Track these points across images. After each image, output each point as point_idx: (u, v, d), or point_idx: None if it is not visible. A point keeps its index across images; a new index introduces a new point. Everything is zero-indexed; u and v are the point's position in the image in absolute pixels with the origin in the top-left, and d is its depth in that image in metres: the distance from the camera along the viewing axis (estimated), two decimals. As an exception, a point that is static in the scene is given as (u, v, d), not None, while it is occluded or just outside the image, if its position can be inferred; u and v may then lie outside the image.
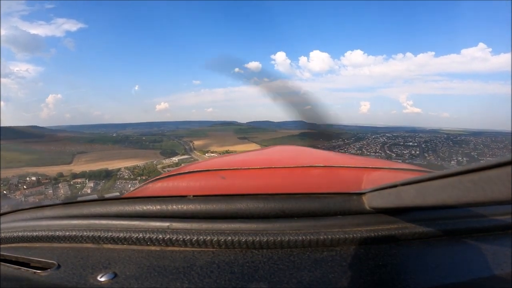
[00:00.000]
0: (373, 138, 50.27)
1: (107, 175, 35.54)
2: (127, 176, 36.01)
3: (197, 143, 65.52)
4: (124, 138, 65.16)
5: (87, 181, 33.07)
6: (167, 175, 1.05)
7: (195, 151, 58.64)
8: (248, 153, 1.51)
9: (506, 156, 0.25)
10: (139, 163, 43.88)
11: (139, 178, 35.43)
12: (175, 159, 48.00)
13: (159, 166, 43.16)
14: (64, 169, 38.25)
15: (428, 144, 46.89)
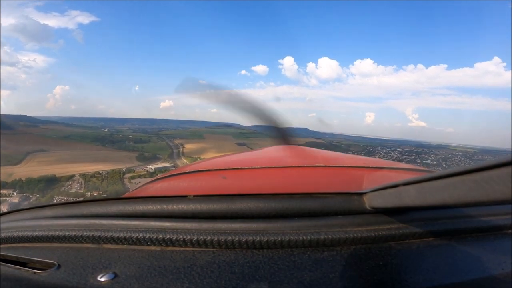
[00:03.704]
0: (385, 153, 46.90)
1: (48, 185, 27.69)
2: (73, 190, 28.11)
3: (190, 146, 57.68)
4: (108, 135, 58.11)
5: (14, 193, 25.34)
6: (167, 175, 1.03)
7: (182, 157, 50.72)
8: (248, 152, 1.50)
9: (506, 156, 0.25)
10: (105, 168, 36.02)
11: (88, 194, 27.34)
12: (151, 167, 39.90)
13: (127, 175, 35.15)
14: (5, 172, 30.83)
15: (449, 163, 42.50)
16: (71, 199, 25.90)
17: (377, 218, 0.47)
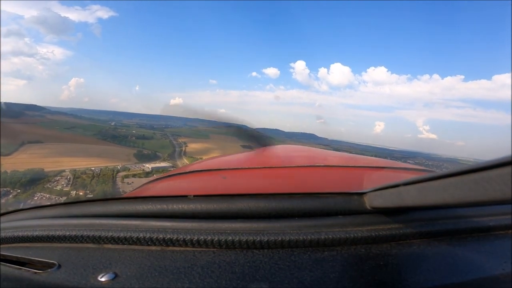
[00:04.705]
0: (395, 165, 41.08)
1: (33, 180, 25.79)
2: (59, 187, 26.15)
3: (193, 146, 55.68)
4: (112, 129, 56.80)
5: (-6, 187, 23.46)
6: (167, 175, 1.04)
7: (184, 157, 48.68)
8: (248, 153, 1.46)
9: (506, 156, 0.25)
10: (99, 164, 34.18)
11: (74, 192, 25.35)
12: (149, 166, 37.86)
13: (120, 174, 33.08)
14: (-7, 162, 29.29)
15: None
16: (53, 197, 23.96)
17: (377, 218, 0.47)
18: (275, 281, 0.37)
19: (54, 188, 25.91)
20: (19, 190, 23.80)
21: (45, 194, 24.12)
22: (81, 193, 25.22)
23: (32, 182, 25.79)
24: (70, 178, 28.66)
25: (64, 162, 33.26)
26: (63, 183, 27.31)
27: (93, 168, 32.47)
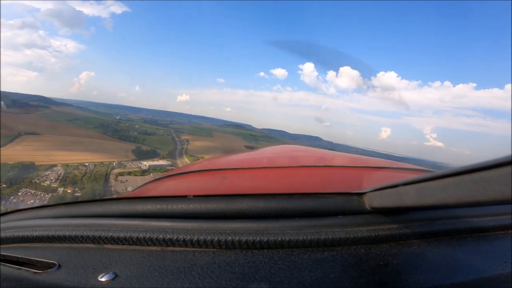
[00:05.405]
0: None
1: (21, 174, 24.66)
2: (47, 183, 25.03)
3: (196, 144, 54.24)
4: (114, 123, 56.03)
5: (-21, 180, 22.40)
6: (167, 175, 1.05)
7: (184, 156, 47.28)
8: (248, 153, 1.49)
9: (507, 156, 0.25)
10: (95, 160, 32.98)
11: (61, 189, 24.06)
12: (146, 163, 36.52)
13: (115, 171, 31.73)
14: (-15, 153, 28.41)
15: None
16: (39, 193, 22.74)
17: (377, 218, 0.47)
18: (275, 281, 0.37)
19: (42, 183, 24.75)
20: (4, 185, 22.66)
21: (30, 190, 22.97)
22: (69, 190, 23.98)
23: (20, 176, 24.68)
24: (60, 173, 27.48)
25: (58, 156, 32.22)
26: (52, 178, 26.13)
27: (87, 164, 31.31)
